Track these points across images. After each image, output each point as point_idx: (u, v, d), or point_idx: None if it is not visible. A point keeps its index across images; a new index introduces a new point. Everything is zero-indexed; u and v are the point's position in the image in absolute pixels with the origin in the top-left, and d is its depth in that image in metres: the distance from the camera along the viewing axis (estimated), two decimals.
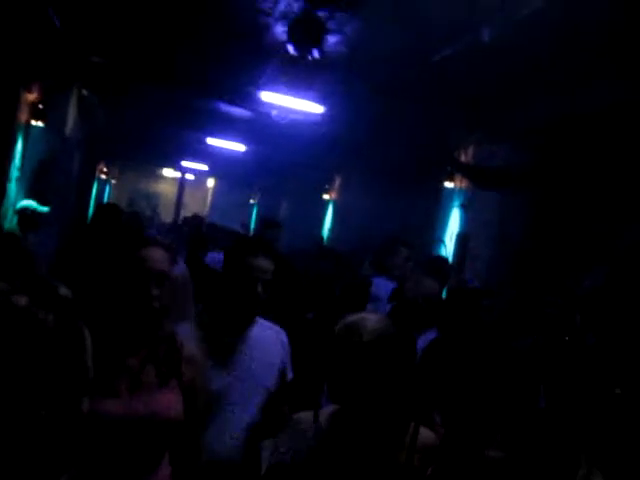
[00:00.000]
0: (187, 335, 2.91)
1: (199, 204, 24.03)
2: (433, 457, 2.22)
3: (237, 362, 3.03)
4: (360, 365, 2.12)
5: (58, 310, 1.45)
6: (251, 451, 3.07)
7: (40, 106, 7.39)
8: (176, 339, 2.62)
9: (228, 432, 2.95)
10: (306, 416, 2.36)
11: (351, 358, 2.13)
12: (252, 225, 20.09)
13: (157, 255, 2.56)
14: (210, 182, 24.00)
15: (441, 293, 4.46)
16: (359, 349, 2.13)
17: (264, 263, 3.03)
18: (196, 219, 11.44)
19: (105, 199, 21.34)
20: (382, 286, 5.32)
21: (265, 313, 3.20)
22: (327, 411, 2.34)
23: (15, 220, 6.73)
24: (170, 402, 2.50)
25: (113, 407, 2.41)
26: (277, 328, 3.27)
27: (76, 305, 1.51)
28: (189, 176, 22.27)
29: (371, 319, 2.21)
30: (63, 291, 1.49)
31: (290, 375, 3.25)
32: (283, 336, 3.26)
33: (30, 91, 7.25)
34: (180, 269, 3.65)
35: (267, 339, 3.16)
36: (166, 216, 21.76)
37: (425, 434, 2.26)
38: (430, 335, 4.35)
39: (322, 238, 12.91)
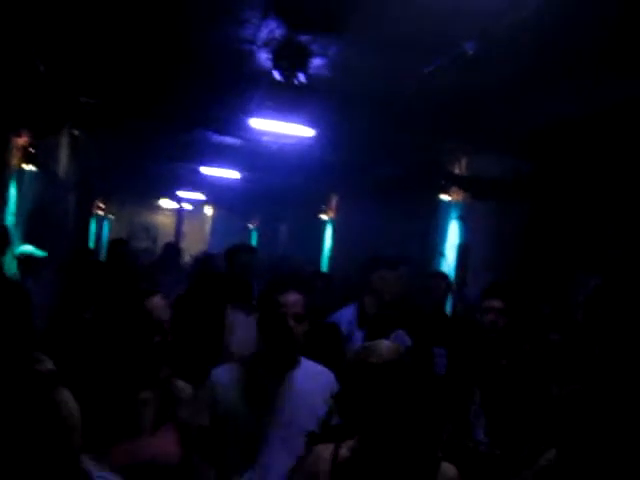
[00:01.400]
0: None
1: (198, 232, 24.04)
2: None
3: (279, 408, 2.99)
4: (374, 387, 2.11)
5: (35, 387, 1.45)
6: None
7: (31, 150, 7.39)
8: (170, 380, 2.65)
9: (264, 476, 2.92)
10: (325, 449, 2.32)
11: (364, 381, 2.15)
12: None
13: (159, 305, 2.65)
14: (208, 210, 24.02)
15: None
16: (372, 371, 2.14)
17: (291, 297, 3.01)
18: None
19: (104, 235, 21.37)
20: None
21: None
22: (347, 444, 2.28)
23: (14, 265, 6.72)
24: (168, 446, 2.53)
25: (115, 455, 2.41)
26: (324, 370, 3.20)
27: (57, 379, 1.51)
28: (187, 206, 22.30)
29: (384, 344, 2.25)
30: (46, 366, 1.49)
31: (335, 420, 3.19)
32: (330, 377, 3.16)
33: (20, 135, 7.26)
34: None
35: (311, 383, 3.10)
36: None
37: (447, 469, 2.21)
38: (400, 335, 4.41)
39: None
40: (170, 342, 2.64)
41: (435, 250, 8.95)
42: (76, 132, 9.68)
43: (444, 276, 6.42)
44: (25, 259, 6.56)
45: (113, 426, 2.47)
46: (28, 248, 6.73)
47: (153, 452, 2.48)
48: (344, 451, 2.24)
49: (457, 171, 8.53)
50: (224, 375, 3.01)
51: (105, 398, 2.51)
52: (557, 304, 5.85)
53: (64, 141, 9.28)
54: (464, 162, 8.40)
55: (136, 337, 2.56)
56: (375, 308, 4.78)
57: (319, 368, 3.19)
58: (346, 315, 5.02)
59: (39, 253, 6.65)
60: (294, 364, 3.09)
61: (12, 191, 7.26)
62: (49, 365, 1.44)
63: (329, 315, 5.16)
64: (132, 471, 2.43)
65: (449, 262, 8.50)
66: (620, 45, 4.54)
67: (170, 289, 7.06)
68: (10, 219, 7.15)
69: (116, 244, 9.09)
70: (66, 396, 1.47)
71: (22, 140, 7.33)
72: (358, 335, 4.67)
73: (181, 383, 2.73)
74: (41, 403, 1.44)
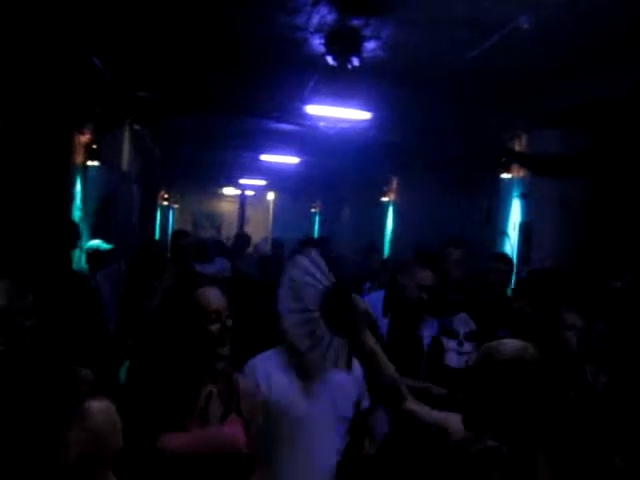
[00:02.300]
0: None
1: (261, 218, 24.21)
2: None
3: (321, 391, 3.07)
4: (495, 387, 2.05)
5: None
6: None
7: (94, 146, 7.56)
8: (232, 374, 2.70)
9: (313, 460, 2.97)
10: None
11: (486, 381, 2.07)
12: (315, 234, 20.15)
13: (212, 294, 2.66)
14: (270, 196, 24.16)
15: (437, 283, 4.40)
16: (494, 370, 2.06)
17: None
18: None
19: (170, 224, 21.73)
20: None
21: None
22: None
23: (83, 260, 6.90)
24: (234, 436, 2.58)
25: (183, 442, 2.46)
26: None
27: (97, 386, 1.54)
28: (249, 192, 22.48)
29: (508, 343, 2.14)
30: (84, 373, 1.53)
31: (366, 404, 3.27)
32: (358, 366, 3.21)
33: (83, 133, 7.43)
34: None
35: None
36: (229, 233, 21.98)
37: None
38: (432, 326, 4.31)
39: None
40: (229, 330, 2.65)
41: (498, 229, 8.83)
42: (137, 126, 9.85)
43: (505, 257, 6.33)
44: (93, 253, 6.71)
45: (182, 420, 2.52)
46: (95, 242, 6.89)
47: (220, 441, 2.54)
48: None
49: (517, 148, 8.39)
50: (270, 362, 3.06)
51: (173, 392, 2.56)
52: (628, 279, 5.71)
53: (126, 135, 9.46)
54: (524, 139, 8.25)
55: (191, 329, 2.58)
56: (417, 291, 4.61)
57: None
58: (375, 298, 4.93)
59: (105, 246, 6.79)
60: None
61: (78, 187, 7.44)
62: (89, 375, 1.48)
63: None
64: (200, 459, 2.49)
65: (512, 241, 8.37)
66: None
67: None
68: (77, 214, 7.33)
69: (178, 235, 9.17)
70: (100, 407, 1.50)
71: (85, 137, 7.50)
72: (382, 322, 4.54)
73: (241, 376, 2.77)
74: (64, 413, 1.47)
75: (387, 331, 4.43)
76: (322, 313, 2.52)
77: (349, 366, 2.75)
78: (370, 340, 2.52)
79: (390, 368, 2.54)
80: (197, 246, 8.18)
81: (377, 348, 2.53)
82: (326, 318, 2.52)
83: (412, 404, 2.52)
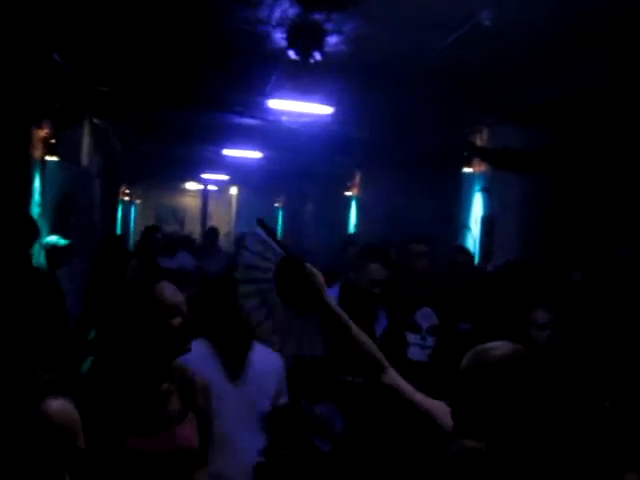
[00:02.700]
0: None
1: (224, 213, 24.12)
2: None
3: (237, 388, 3.10)
4: (488, 390, 2.00)
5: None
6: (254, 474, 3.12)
7: (53, 141, 7.44)
8: (188, 370, 2.67)
9: (233, 457, 2.98)
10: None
11: (478, 384, 2.01)
12: (279, 229, 20.12)
13: (171, 288, 2.61)
14: (233, 190, 24.08)
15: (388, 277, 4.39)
16: (487, 373, 2.01)
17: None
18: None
19: (132, 220, 21.55)
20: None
21: None
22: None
23: (42, 256, 6.80)
24: (190, 435, 2.56)
25: (139, 444, 2.44)
26: (274, 353, 3.26)
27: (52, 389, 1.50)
28: (212, 187, 22.39)
29: (498, 345, 2.08)
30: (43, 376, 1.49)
31: (284, 399, 3.31)
32: (279, 360, 3.32)
33: (41, 127, 7.31)
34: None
35: (264, 365, 3.22)
36: (193, 228, 21.85)
37: None
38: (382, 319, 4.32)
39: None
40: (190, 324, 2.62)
41: (460, 224, 8.89)
42: (97, 121, 9.73)
43: (466, 251, 6.38)
44: (51, 249, 6.63)
45: (142, 421, 2.49)
46: (52, 238, 6.80)
47: (177, 442, 2.51)
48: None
49: (479, 143, 8.45)
50: (198, 348, 3.05)
51: (131, 392, 2.52)
52: (587, 272, 5.79)
53: (86, 130, 9.34)
54: (486, 134, 8.32)
55: (152, 323, 2.53)
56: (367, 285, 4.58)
57: (268, 350, 3.21)
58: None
59: (63, 242, 6.71)
60: (250, 346, 3.19)
61: (36, 182, 7.32)
62: (47, 375, 1.45)
63: None
64: (156, 460, 2.46)
65: (474, 235, 8.44)
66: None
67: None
68: (36, 210, 7.21)
69: (152, 230, 9.03)
70: (58, 406, 1.46)
71: (43, 132, 7.39)
72: None
73: (196, 373, 2.71)
74: (20, 416, 1.44)
75: None
76: (279, 292, 2.45)
77: (327, 349, 2.62)
78: (334, 304, 2.45)
79: (364, 336, 2.45)
80: (168, 241, 8.14)
81: (344, 313, 2.45)
82: (284, 296, 2.44)
83: (395, 378, 2.42)
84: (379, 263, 4.28)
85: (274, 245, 2.49)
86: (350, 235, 9.95)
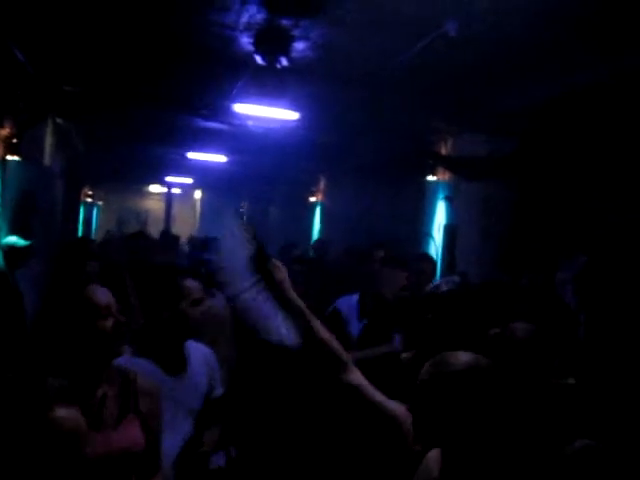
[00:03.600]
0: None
1: (188, 216, 23.98)
2: None
3: (175, 381, 3.12)
4: (450, 398, 1.99)
5: None
6: (186, 470, 3.12)
7: (14, 140, 7.34)
8: (129, 372, 2.65)
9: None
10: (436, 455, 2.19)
11: (440, 392, 2.01)
12: None
13: (101, 290, 2.60)
14: (197, 194, 23.95)
15: None
16: (445, 382, 2.01)
17: (189, 284, 3.20)
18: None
19: (94, 222, 21.31)
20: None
21: None
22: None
23: (1, 257, 6.70)
24: (130, 438, 2.52)
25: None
26: (205, 349, 3.36)
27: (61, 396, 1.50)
28: (175, 190, 22.24)
29: (459, 354, 2.08)
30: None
31: (218, 391, 3.35)
32: (211, 356, 3.37)
33: (2, 126, 7.21)
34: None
35: (194, 361, 3.25)
36: (156, 231, 21.66)
37: None
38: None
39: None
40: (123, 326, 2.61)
41: (423, 231, 8.95)
42: (60, 121, 9.62)
43: (429, 258, 6.43)
44: (9, 250, 6.53)
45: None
46: (12, 239, 6.69)
47: (115, 444, 2.47)
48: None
49: (443, 151, 8.52)
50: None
51: (62, 395, 2.48)
52: (538, 279, 5.86)
53: (48, 130, 9.22)
54: (450, 142, 8.39)
55: (83, 326, 2.50)
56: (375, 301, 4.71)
57: (203, 348, 3.34)
58: (348, 302, 4.96)
59: (22, 243, 6.61)
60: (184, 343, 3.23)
61: None
62: (57, 382, 1.44)
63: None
64: (94, 463, 2.42)
65: (437, 243, 8.50)
66: (601, 25, 4.55)
67: None
68: None
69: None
70: (67, 414, 1.46)
71: (5, 131, 7.29)
72: (356, 326, 4.64)
73: (139, 374, 2.69)
74: (31, 424, 1.43)
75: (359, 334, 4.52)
76: (257, 279, 2.47)
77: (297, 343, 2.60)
78: (296, 298, 2.45)
79: (325, 332, 2.44)
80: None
81: (306, 308, 2.45)
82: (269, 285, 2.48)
83: (357, 377, 2.42)
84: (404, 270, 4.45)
85: (245, 236, 2.50)
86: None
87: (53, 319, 2.60)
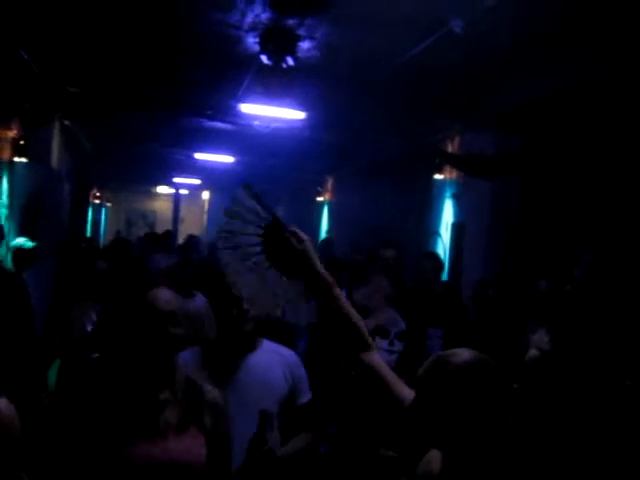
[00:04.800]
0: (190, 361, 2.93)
1: (196, 217, 24.00)
2: None
3: (232, 388, 3.02)
4: (451, 394, 1.97)
5: None
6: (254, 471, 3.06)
7: (21, 142, 7.36)
8: (196, 383, 2.58)
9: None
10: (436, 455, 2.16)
11: (441, 388, 1.99)
12: None
13: (165, 296, 2.54)
14: (205, 195, 23.96)
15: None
16: (445, 380, 1.99)
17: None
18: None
19: (102, 223, 21.36)
20: None
21: None
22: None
23: (9, 258, 6.74)
24: (190, 448, 2.45)
25: (134, 452, 2.38)
26: (285, 351, 3.26)
27: None
28: (183, 191, 22.26)
29: (460, 352, 2.05)
30: None
31: (304, 398, 3.24)
32: (291, 358, 3.25)
33: (10, 128, 7.23)
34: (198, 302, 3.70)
35: (268, 363, 3.16)
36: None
37: None
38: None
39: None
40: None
41: (431, 230, 8.93)
42: (67, 122, 9.64)
43: (435, 256, 6.43)
44: (17, 251, 6.58)
45: (130, 428, 2.41)
46: (19, 240, 6.74)
47: (174, 453, 2.41)
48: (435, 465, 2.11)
49: (450, 149, 8.50)
50: (190, 358, 3.03)
51: (121, 399, 2.45)
52: (554, 280, 5.83)
53: (56, 132, 9.24)
54: (457, 140, 8.37)
55: (142, 332, 2.47)
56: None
57: (280, 349, 3.23)
58: None
59: (29, 244, 6.65)
60: (251, 347, 3.15)
61: (4, 184, 7.25)
62: None
63: None
64: (151, 470, 2.39)
65: (444, 241, 8.48)
66: (608, 16, 4.52)
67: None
68: (3, 212, 7.14)
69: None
70: (3, 404, 1.44)
71: (12, 132, 7.31)
72: None
73: (208, 386, 2.63)
74: None
75: None
76: (267, 256, 2.39)
77: (310, 317, 2.53)
78: (323, 270, 2.37)
79: (352, 309, 2.39)
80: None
81: (334, 282, 2.37)
82: (273, 260, 2.39)
83: (376, 360, 2.37)
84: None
85: (258, 208, 2.44)
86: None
87: (117, 322, 2.56)
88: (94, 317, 4.93)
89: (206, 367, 3.04)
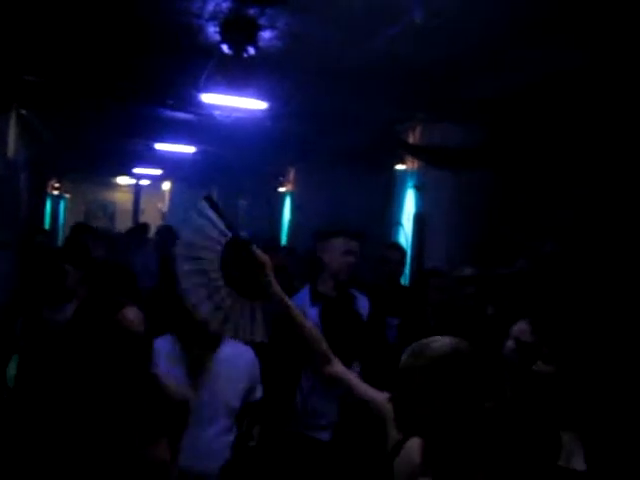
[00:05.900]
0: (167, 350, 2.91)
1: (156, 208, 23.78)
2: None
3: (205, 380, 3.09)
4: (431, 383, 1.99)
5: None
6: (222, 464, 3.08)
7: None
8: (167, 387, 2.52)
9: (198, 448, 2.94)
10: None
11: (421, 378, 2.00)
12: None
13: (134, 316, 2.43)
14: (166, 185, 23.75)
15: None
16: (425, 367, 2.00)
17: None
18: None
19: (60, 214, 21.06)
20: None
21: None
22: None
23: None
24: (162, 459, 2.43)
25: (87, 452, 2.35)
26: (247, 348, 3.31)
27: None
28: (144, 181, 22.03)
29: (438, 339, 2.07)
30: None
31: (259, 394, 3.32)
32: (252, 356, 3.35)
33: None
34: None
35: (236, 357, 3.23)
36: (124, 224, 21.48)
37: None
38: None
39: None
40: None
41: (393, 220, 8.96)
42: (24, 112, 9.46)
43: (398, 247, 6.45)
44: None
45: (91, 428, 2.36)
46: None
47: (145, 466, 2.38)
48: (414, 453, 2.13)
49: (411, 140, 8.52)
50: (165, 345, 3.03)
51: (82, 398, 2.39)
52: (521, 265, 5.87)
53: (12, 122, 9.07)
54: (419, 131, 8.39)
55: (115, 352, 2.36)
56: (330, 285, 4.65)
57: (242, 347, 3.27)
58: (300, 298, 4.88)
59: None
60: (219, 342, 3.21)
61: None
62: None
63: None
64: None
65: (407, 232, 8.51)
66: (568, 15, 4.55)
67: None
68: None
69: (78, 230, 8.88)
70: None
71: None
72: (312, 312, 4.52)
73: (173, 387, 2.56)
74: None
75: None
76: (224, 273, 2.39)
77: (266, 337, 2.53)
78: (280, 290, 2.40)
79: (308, 324, 2.44)
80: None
81: (290, 301, 2.43)
82: (229, 278, 2.39)
83: (340, 369, 2.43)
84: None
85: (219, 223, 2.41)
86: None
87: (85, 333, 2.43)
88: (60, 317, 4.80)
89: (181, 357, 3.10)
